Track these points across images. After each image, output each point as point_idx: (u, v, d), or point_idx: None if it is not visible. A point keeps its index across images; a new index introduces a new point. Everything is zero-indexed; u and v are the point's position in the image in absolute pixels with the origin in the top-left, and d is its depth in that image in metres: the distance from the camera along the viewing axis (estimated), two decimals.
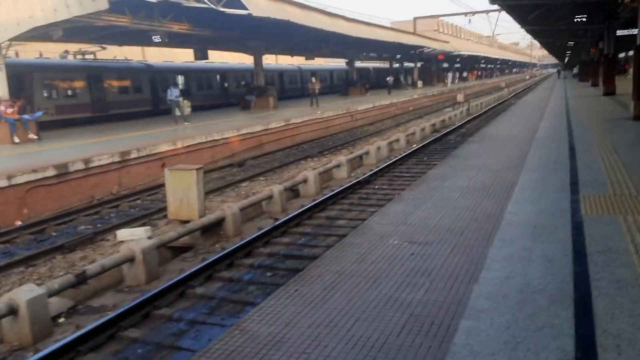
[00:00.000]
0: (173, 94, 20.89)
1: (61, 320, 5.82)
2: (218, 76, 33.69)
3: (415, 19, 54.24)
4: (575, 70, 55.22)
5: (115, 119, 24.05)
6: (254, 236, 7.89)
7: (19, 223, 10.20)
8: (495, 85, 61.36)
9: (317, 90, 28.59)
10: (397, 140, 17.45)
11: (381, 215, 6.13)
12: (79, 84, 23.44)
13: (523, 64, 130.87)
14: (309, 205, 9.55)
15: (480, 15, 47.57)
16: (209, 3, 17.74)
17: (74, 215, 10.65)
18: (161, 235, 7.90)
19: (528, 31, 35.39)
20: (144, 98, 26.97)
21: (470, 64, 77.78)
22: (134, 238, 7.97)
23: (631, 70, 34.35)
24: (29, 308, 5.13)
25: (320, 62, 48.36)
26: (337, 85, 45.86)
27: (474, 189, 7.05)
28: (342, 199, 10.31)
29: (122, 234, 8.77)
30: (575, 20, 20.39)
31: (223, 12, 18.33)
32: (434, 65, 58.65)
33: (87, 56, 24.91)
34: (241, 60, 35.47)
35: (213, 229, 8.52)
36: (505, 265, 4.08)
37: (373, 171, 12.52)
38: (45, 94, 21.73)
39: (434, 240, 4.98)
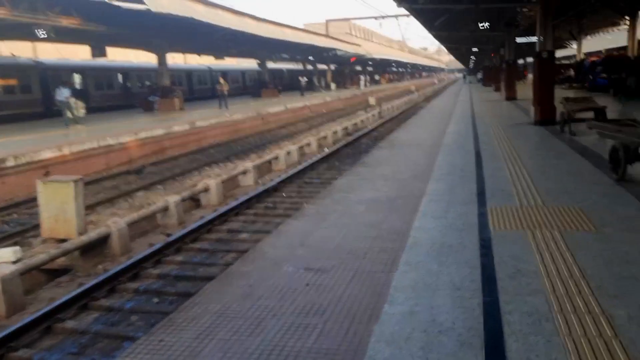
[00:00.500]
0: (62, 94, 18.70)
1: None
2: (120, 75, 31.56)
3: (328, 21, 54.60)
4: (480, 75, 58.13)
5: None
6: (142, 255, 7.06)
7: None
8: (406, 89, 63.12)
9: (225, 92, 27.49)
10: (309, 144, 17.00)
11: (277, 236, 5.47)
12: None
13: (432, 68, 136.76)
14: (210, 218, 8.79)
15: (391, 19, 48.71)
16: None
17: None
18: (29, 258, 6.79)
19: (435, 36, 36.55)
20: (33, 99, 24.42)
21: (383, 67, 79.75)
22: None
23: (530, 76, 36.83)
24: None
25: (233, 63, 46.97)
26: (250, 87, 44.70)
27: (380, 202, 6.62)
28: (247, 209, 9.61)
29: None
30: (479, 26, 21.12)
31: (118, 6, 16.88)
32: (347, 68, 59.33)
33: None
34: (148, 59, 33.58)
35: (97, 247, 7.52)
36: (410, 296, 3.57)
37: (282, 178, 11.87)
38: None
39: (333, 266, 4.40)
